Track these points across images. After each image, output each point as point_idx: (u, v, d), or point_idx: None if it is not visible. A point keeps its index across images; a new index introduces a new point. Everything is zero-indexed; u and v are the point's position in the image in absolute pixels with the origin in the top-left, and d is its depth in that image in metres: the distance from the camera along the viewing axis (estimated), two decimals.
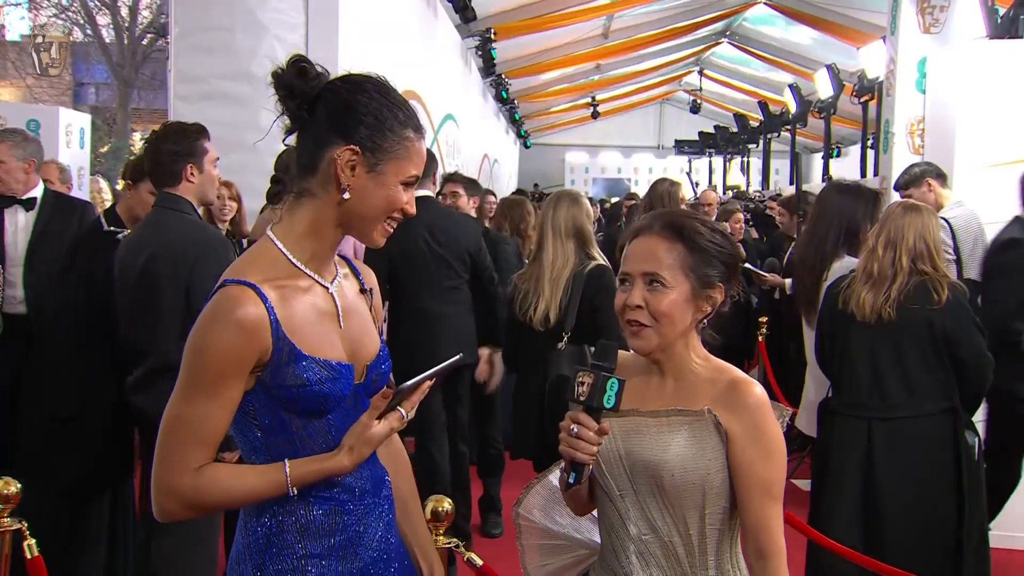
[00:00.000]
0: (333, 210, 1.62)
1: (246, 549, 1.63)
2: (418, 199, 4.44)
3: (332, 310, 1.65)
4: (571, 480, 1.66)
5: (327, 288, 1.66)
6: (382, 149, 1.60)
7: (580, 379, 1.63)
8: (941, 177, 4.57)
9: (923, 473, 3.29)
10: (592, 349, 3.65)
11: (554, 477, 2.01)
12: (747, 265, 6.88)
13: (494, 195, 7.84)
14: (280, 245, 1.62)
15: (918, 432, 3.30)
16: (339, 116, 1.60)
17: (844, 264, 3.75)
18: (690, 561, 1.72)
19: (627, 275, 1.75)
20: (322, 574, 1.62)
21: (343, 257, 1.75)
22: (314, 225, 1.62)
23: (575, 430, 1.62)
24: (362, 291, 1.76)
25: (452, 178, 5.53)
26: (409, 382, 1.62)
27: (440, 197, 5.15)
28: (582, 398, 1.63)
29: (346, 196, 1.59)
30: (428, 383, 1.63)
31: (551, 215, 3.81)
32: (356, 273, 1.78)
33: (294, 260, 1.62)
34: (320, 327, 1.62)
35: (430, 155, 4.63)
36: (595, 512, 1.89)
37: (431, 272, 4.34)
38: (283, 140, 1.66)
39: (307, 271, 1.63)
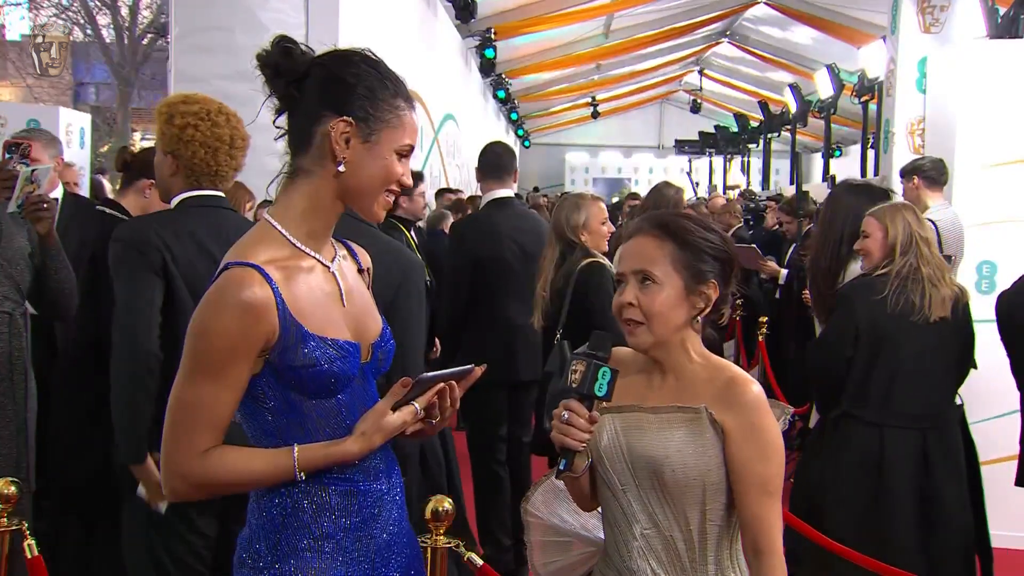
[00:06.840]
0: (330, 186, 1.60)
1: (260, 529, 1.61)
2: (500, 200, 4.31)
3: (335, 290, 1.65)
4: (561, 467, 1.68)
5: (328, 267, 1.65)
6: (375, 119, 1.59)
7: (573, 367, 1.66)
8: (931, 180, 4.57)
9: (961, 477, 3.26)
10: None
11: None
12: (752, 245, 6.88)
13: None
14: (278, 226, 1.61)
15: (957, 437, 3.28)
16: (330, 89, 1.59)
17: (860, 266, 3.61)
18: (690, 556, 1.73)
19: (621, 275, 1.78)
20: (337, 553, 1.61)
21: (339, 239, 1.74)
22: (312, 203, 1.61)
23: (566, 417, 1.65)
24: (360, 271, 1.76)
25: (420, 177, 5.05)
26: (429, 374, 1.62)
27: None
28: (574, 386, 1.65)
29: (341, 169, 1.58)
30: (442, 384, 1.63)
31: (551, 219, 3.79)
32: (353, 254, 1.77)
33: (294, 240, 1.61)
34: (325, 307, 1.61)
35: (506, 148, 4.44)
36: (600, 509, 1.90)
37: (521, 281, 4.07)
38: (274, 121, 1.65)
39: (308, 251, 1.62)
